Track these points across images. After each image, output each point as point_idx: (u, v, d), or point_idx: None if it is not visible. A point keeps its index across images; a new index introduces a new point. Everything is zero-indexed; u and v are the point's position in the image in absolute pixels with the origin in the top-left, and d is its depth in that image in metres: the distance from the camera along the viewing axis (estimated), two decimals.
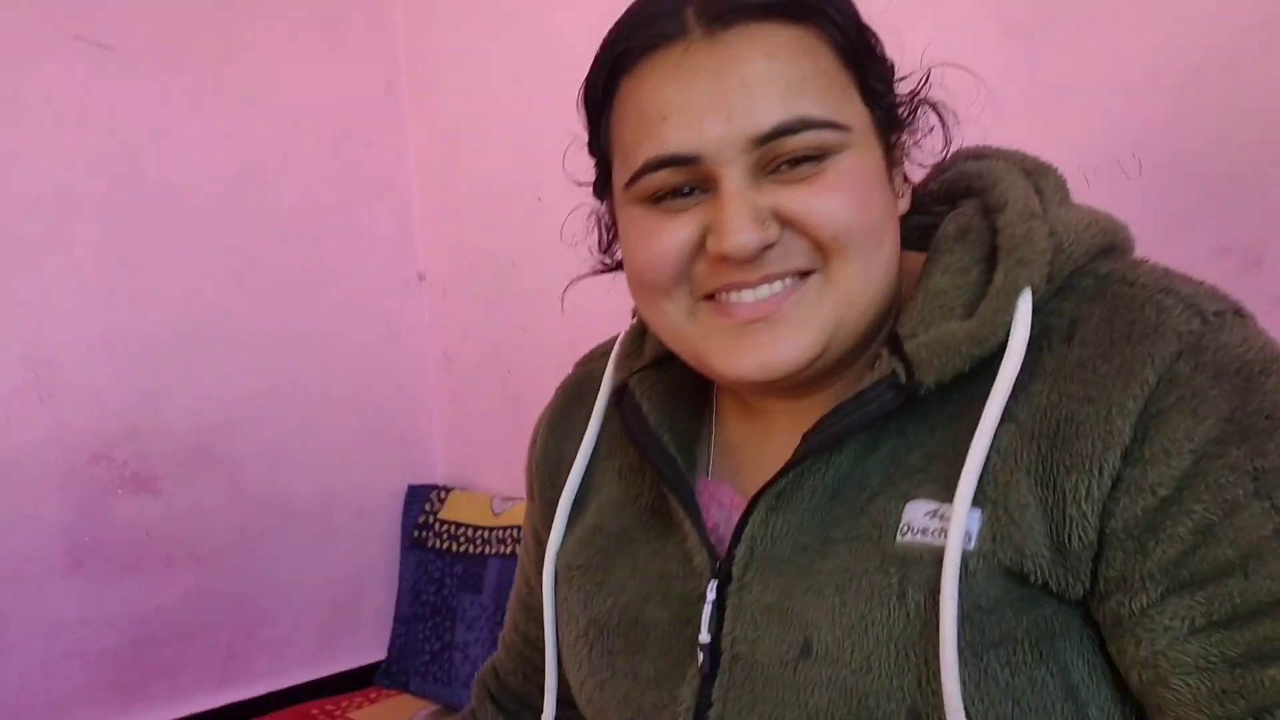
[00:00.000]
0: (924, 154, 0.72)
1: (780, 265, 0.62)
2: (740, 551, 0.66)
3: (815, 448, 0.64)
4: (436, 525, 2.20)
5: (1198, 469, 0.55)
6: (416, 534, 2.24)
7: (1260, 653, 0.53)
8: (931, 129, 0.71)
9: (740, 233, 0.60)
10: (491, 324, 2.18)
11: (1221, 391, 0.55)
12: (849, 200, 0.61)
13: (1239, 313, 0.60)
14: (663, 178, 0.62)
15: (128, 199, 1.98)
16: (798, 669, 0.61)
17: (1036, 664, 0.58)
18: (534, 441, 0.87)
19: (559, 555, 0.79)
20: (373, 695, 2.17)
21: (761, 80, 0.59)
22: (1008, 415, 0.59)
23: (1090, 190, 1.16)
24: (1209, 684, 0.54)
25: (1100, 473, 0.56)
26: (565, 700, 0.82)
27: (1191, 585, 0.55)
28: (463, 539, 2.14)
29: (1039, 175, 0.68)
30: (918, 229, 0.72)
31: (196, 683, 2.07)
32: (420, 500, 2.27)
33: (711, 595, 0.66)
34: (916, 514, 0.61)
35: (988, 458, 0.59)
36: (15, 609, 1.85)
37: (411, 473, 2.34)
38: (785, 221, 0.61)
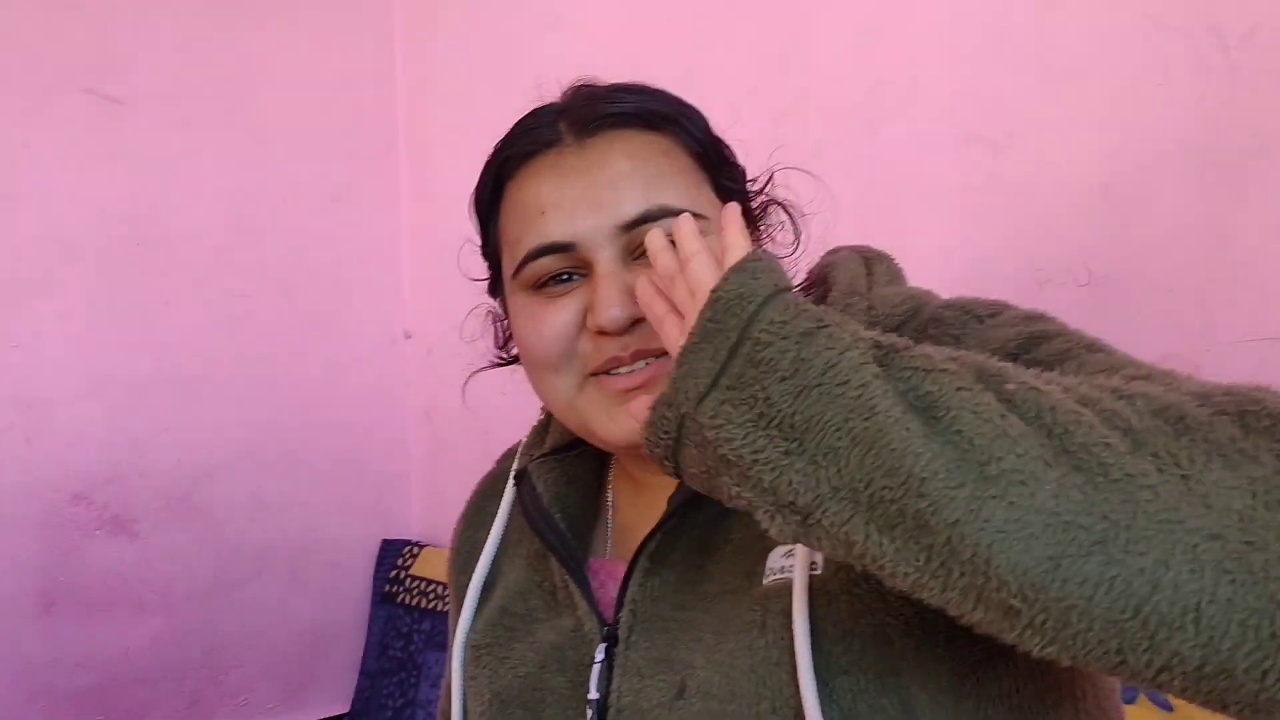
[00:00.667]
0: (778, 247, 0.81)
1: (651, 341, 0.68)
2: (624, 614, 0.70)
3: (675, 509, 0.69)
4: (407, 580, 2.22)
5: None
6: (387, 588, 2.26)
7: None
8: (782, 224, 0.80)
9: (612, 307, 0.67)
10: (473, 384, 2.22)
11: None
12: None
13: None
14: (545, 264, 0.70)
15: (124, 246, 2.03)
16: (673, 709, 0.65)
17: (879, 694, 0.59)
18: (454, 536, 0.93)
19: (468, 635, 0.83)
20: None
21: (625, 177, 0.69)
22: None
23: (1042, 294, 1.22)
24: None
25: None
26: None
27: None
28: (432, 595, 2.16)
29: (874, 261, 0.75)
30: None
31: None
32: (393, 555, 2.29)
33: (600, 656, 0.70)
34: (776, 559, 0.65)
35: None
36: None
37: (387, 527, 2.36)
38: None
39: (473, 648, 0.82)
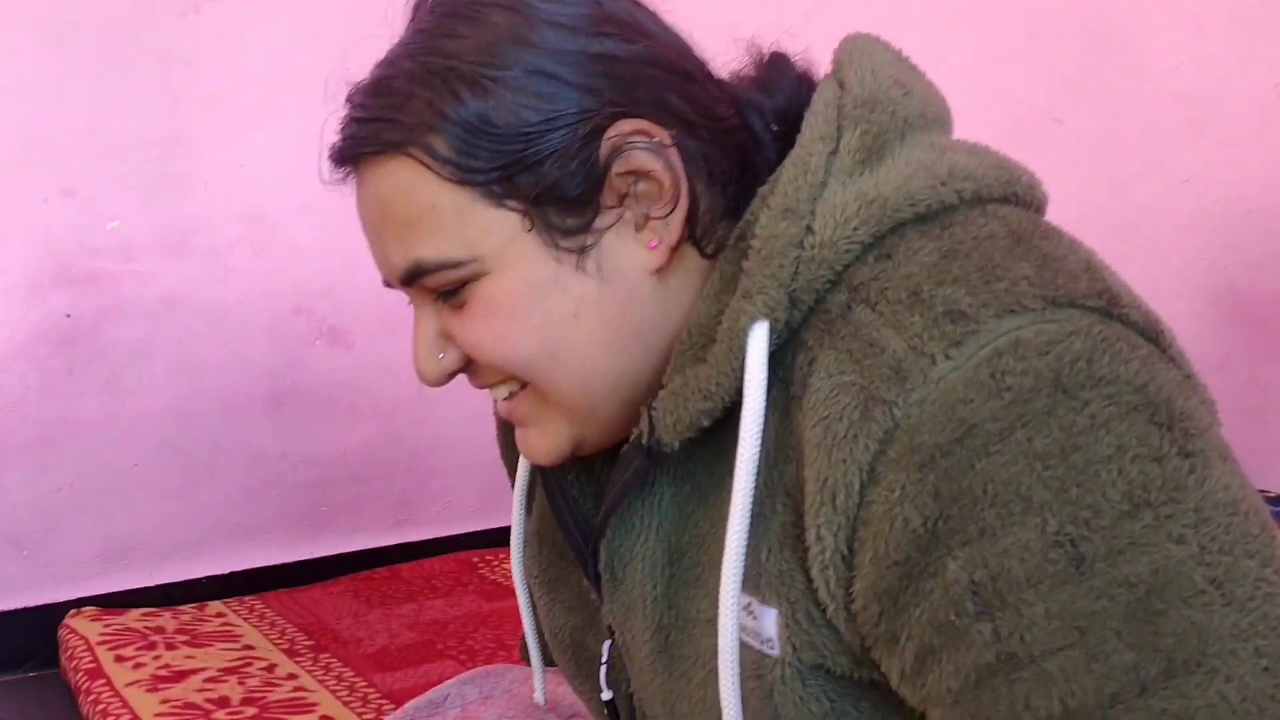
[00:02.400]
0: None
1: (487, 379, 0.61)
2: (614, 620, 0.64)
3: (604, 516, 0.62)
4: None
5: (910, 586, 0.47)
6: None
7: None
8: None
9: (418, 364, 0.61)
10: None
11: (929, 484, 0.46)
12: (488, 333, 0.57)
13: (1003, 330, 0.47)
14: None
15: (336, 73, 2.12)
16: None
17: None
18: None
19: (522, 554, 0.76)
20: None
21: (381, 225, 0.59)
22: (775, 488, 0.53)
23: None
24: None
25: (829, 584, 0.50)
26: None
27: (932, 704, 0.49)
28: None
29: (854, 122, 0.54)
30: None
31: (374, 522, 2.28)
32: None
33: (605, 656, 0.67)
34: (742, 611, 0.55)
35: (759, 546, 0.53)
36: (225, 439, 2.08)
37: None
38: None
39: (528, 571, 0.75)
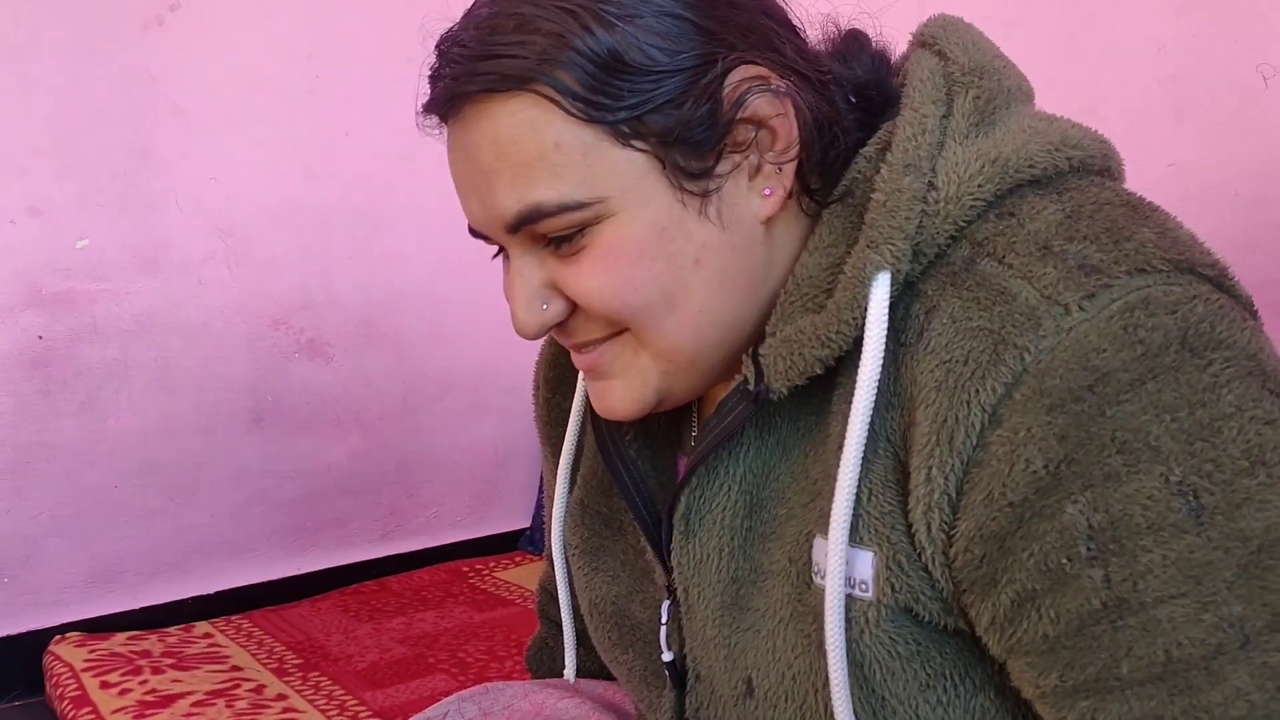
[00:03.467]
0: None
1: (584, 334, 0.59)
2: (676, 577, 0.64)
3: (694, 465, 0.61)
4: None
5: (1020, 528, 0.48)
6: None
7: None
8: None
9: (518, 316, 0.58)
10: None
11: (1056, 427, 0.47)
12: (609, 278, 0.55)
13: (1135, 287, 0.49)
14: (484, 240, 0.61)
15: (304, 79, 2.09)
16: (746, 706, 0.60)
17: (970, 695, 0.54)
18: (536, 388, 0.82)
19: (563, 528, 0.76)
20: (517, 559, 2.32)
21: (493, 169, 0.55)
22: (876, 434, 0.53)
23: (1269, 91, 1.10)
24: None
25: (930, 527, 0.51)
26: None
27: (1020, 653, 0.50)
28: None
29: (965, 87, 0.56)
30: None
31: (362, 535, 2.25)
32: None
33: (664, 617, 0.66)
34: (822, 555, 0.55)
35: (859, 491, 0.53)
36: (208, 457, 2.04)
37: None
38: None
39: (567, 543, 0.75)
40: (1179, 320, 0.48)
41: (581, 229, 0.55)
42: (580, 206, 0.54)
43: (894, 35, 0.63)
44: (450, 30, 0.57)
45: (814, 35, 0.62)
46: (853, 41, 0.62)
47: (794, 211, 0.59)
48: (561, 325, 0.59)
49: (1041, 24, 1.56)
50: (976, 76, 0.57)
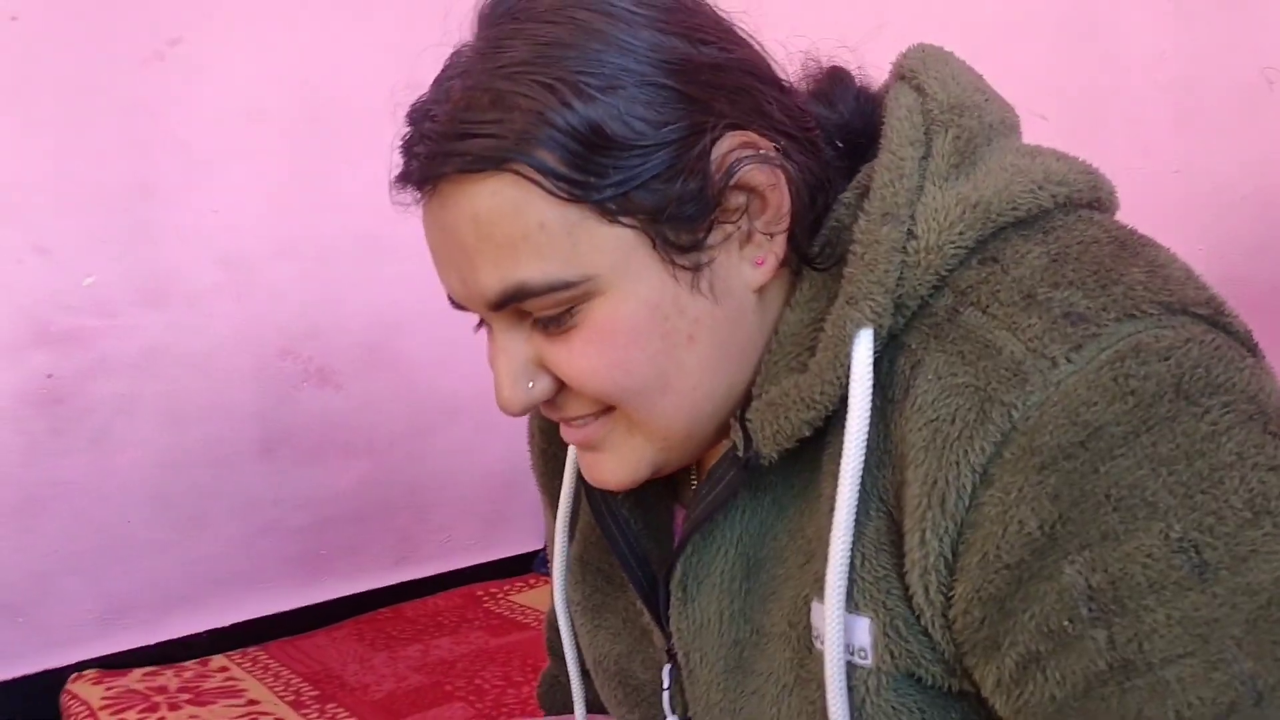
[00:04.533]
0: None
1: (573, 411, 0.58)
2: (676, 642, 0.63)
3: (688, 533, 0.60)
4: None
5: (1019, 590, 0.46)
6: None
7: None
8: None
9: (503, 394, 0.56)
10: None
11: (1049, 486, 0.45)
12: (602, 360, 0.54)
13: (1124, 334, 0.47)
14: (465, 310, 0.59)
15: (304, 110, 2.10)
16: None
17: None
18: (531, 436, 0.81)
19: (564, 586, 0.74)
20: (531, 580, 2.31)
21: (474, 249, 0.53)
22: (868, 494, 0.52)
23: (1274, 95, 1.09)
24: None
25: (927, 590, 0.49)
26: None
27: (1029, 714, 0.48)
28: None
29: (944, 126, 0.54)
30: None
31: (375, 561, 2.25)
32: None
33: (666, 681, 0.65)
34: (820, 620, 0.53)
35: (852, 553, 0.52)
36: (216, 488, 2.04)
37: None
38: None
39: (569, 599, 0.74)
40: (1172, 367, 0.46)
41: (570, 308, 0.53)
42: (568, 286, 0.52)
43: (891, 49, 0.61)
44: (422, 101, 0.55)
45: (794, 73, 0.60)
46: (836, 81, 0.60)
47: (783, 274, 0.57)
48: (549, 401, 0.58)
49: (1041, 31, 1.56)
50: (956, 114, 0.54)
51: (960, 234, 0.51)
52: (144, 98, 1.94)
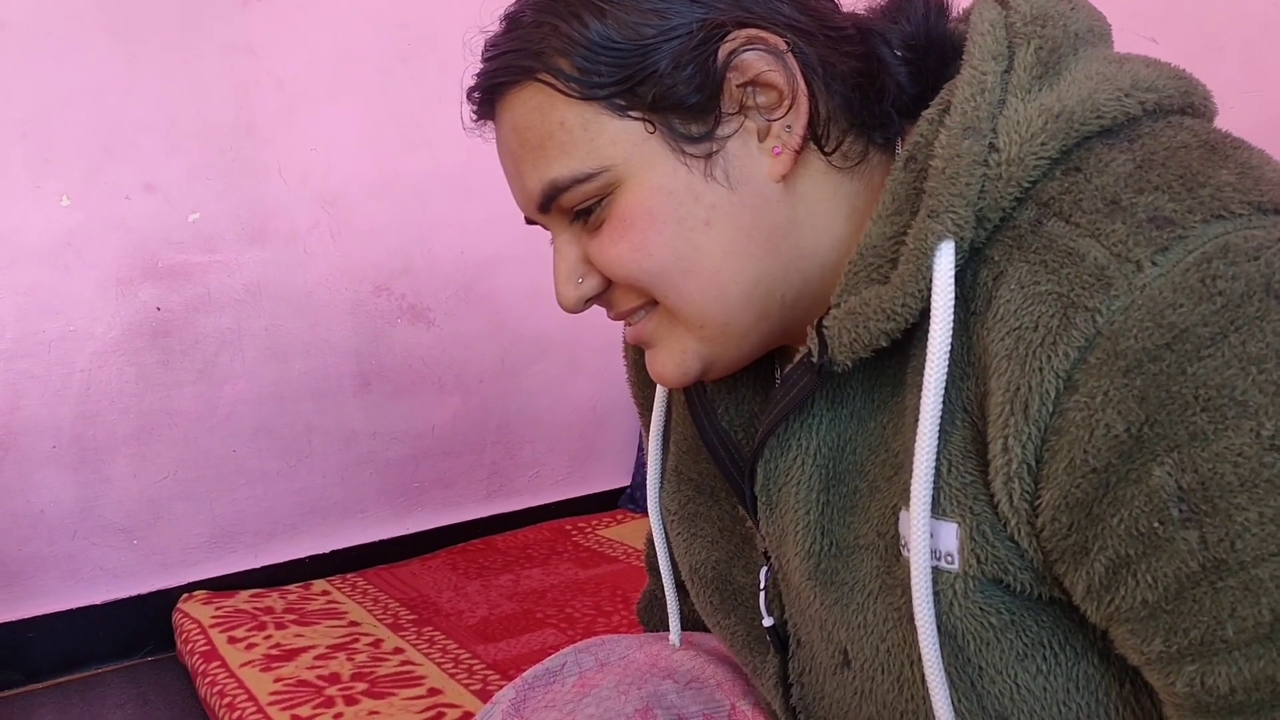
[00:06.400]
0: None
1: (622, 304, 0.62)
2: (769, 545, 0.65)
3: (764, 438, 0.62)
4: None
5: (1107, 494, 0.46)
6: None
7: (1192, 694, 0.47)
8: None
9: (558, 290, 0.62)
10: None
11: (1135, 389, 0.45)
12: (625, 245, 0.58)
13: (1212, 235, 0.46)
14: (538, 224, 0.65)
15: (398, 49, 2.12)
16: (844, 676, 0.60)
17: (1072, 663, 0.53)
18: (625, 349, 0.83)
19: (660, 493, 0.77)
20: (619, 516, 2.34)
21: (519, 155, 0.60)
22: (952, 405, 0.52)
23: None
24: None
25: (1011, 498, 0.50)
26: None
27: (1120, 620, 0.48)
28: None
29: (1026, 38, 0.54)
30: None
31: (466, 495, 2.30)
32: None
33: (763, 582, 0.67)
34: (908, 528, 0.54)
35: (938, 461, 0.52)
36: (317, 421, 2.11)
37: None
38: None
39: (665, 509, 0.77)
40: (1262, 267, 0.45)
41: (599, 201, 0.58)
42: (589, 178, 0.58)
43: None
44: (489, 34, 0.63)
45: None
46: None
47: (819, 169, 0.58)
48: (603, 298, 0.63)
49: None
50: (1039, 25, 0.54)
51: (1042, 145, 0.51)
52: (244, 37, 1.98)
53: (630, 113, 0.57)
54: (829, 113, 0.57)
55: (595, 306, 0.64)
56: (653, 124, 0.57)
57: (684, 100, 0.56)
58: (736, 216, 0.58)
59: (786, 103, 0.57)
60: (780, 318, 0.60)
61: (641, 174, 0.57)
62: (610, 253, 0.59)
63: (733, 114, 0.57)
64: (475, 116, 0.64)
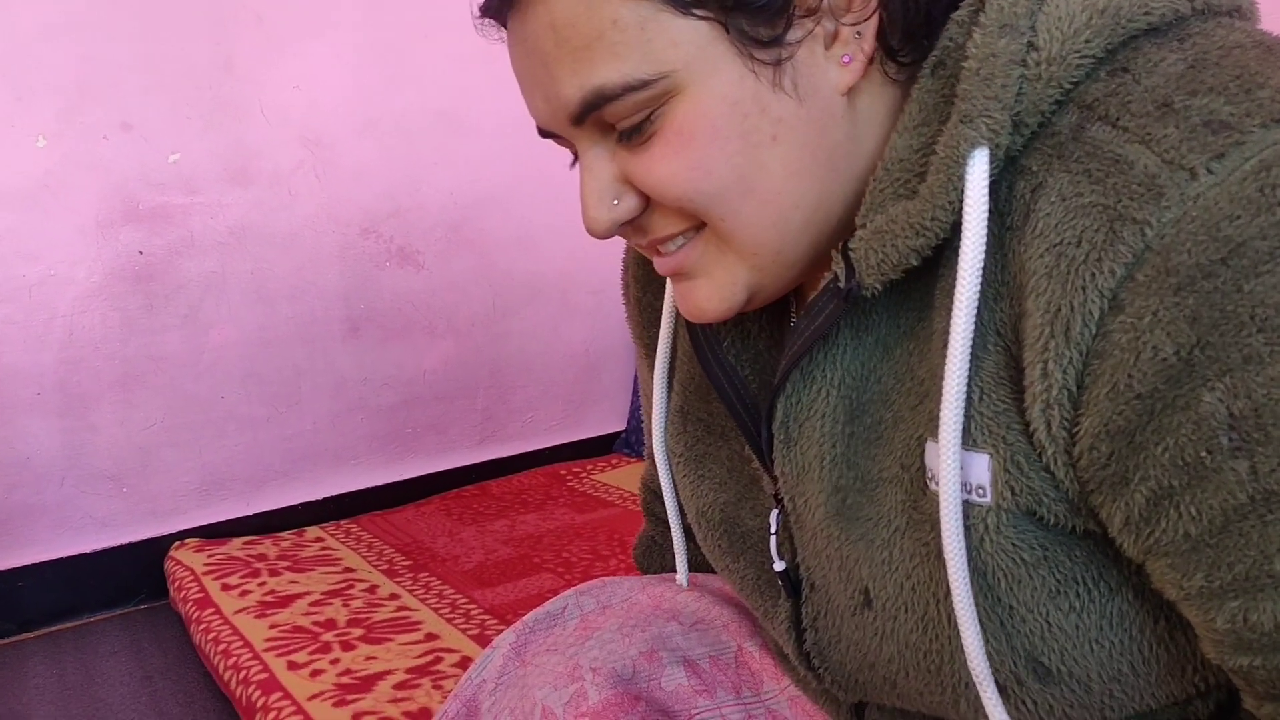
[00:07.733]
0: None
1: (662, 229, 0.55)
2: (782, 486, 0.62)
3: (787, 370, 0.58)
4: None
5: (1152, 422, 0.43)
6: None
7: (1234, 631, 0.45)
8: None
9: (588, 213, 0.55)
10: None
11: (1187, 308, 0.42)
12: (682, 163, 0.52)
13: (1271, 141, 0.42)
14: (555, 140, 0.57)
15: None
16: (864, 617, 0.58)
17: (1106, 599, 0.50)
18: (625, 286, 0.79)
19: (664, 435, 0.74)
20: (614, 461, 2.33)
21: (553, 58, 0.51)
22: (985, 328, 0.49)
23: None
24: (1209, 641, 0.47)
25: (1049, 426, 0.47)
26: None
27: (1160, 554, 0.46)
28: None
29: None
30: None
31: (459, 440, 2.28)
32: None
33: (774, 526, 0.64)
34: (935, 460, 0.51)
35: (969, 389, 0.49)
36: (306, 366, 2.07)
37: None
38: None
39: (670, 451, 0.73)
40: None
41: (650, 114, 0.51)
42: (644, 85, 0.50)
43: None
44: None
45: None
46: None
47: (878, 81, 0.53)
48: (636, 224, 0.56)
49: None
50: None
51: (1086, 42, 0.47)
52: None
53: (695, 10, 0.49)
54: (896, 18, 0.52)
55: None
56: (723, 25, 0.50)
57: (756, 1, 0.49)
58: (802, 131, 0.52)
59: (859, 7, 0.51)
60: (827, 245, 0.55)
61: (704, 82, 0.50)
62: (662, 170, 0.52)
63: (803, 17, 0.50)
64: (482, 13, 0.55)
